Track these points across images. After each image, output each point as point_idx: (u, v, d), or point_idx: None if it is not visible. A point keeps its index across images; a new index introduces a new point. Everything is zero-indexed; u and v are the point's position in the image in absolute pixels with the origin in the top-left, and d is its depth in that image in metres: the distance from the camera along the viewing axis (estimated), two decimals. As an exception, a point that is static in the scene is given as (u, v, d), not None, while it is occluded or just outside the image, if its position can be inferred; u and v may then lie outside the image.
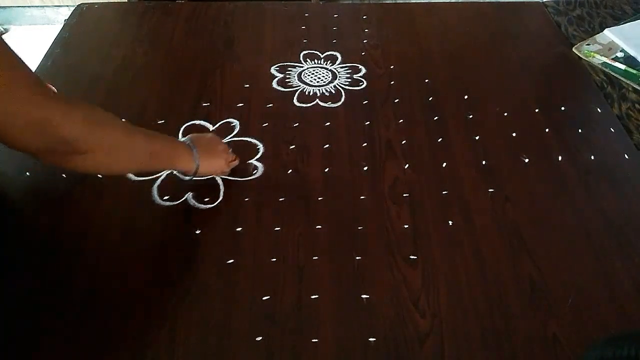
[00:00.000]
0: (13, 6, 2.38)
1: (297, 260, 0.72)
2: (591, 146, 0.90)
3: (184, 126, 0.91)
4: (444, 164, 0.86)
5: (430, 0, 1.67)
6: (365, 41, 1.14)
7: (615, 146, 0.90)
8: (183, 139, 0.78)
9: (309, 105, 0.97)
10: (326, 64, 1.07)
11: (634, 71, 1.06)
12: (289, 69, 1.06)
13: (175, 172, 0.82)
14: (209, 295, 0.68)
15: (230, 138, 0.90)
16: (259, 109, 0.96)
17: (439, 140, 0.91)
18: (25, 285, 0.68)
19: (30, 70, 0.53)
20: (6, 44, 0.50)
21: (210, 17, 1.20)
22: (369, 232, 0.76)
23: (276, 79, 1.03)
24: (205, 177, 0.80)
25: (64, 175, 0.82)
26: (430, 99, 0.99)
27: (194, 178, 0.77)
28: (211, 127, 0.91)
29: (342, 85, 1.02)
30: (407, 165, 0.86)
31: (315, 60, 1.08)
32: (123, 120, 0.65)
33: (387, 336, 0.64)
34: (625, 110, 0.98)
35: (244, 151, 0.87)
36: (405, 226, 0.77)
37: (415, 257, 0.73)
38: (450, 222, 0.77)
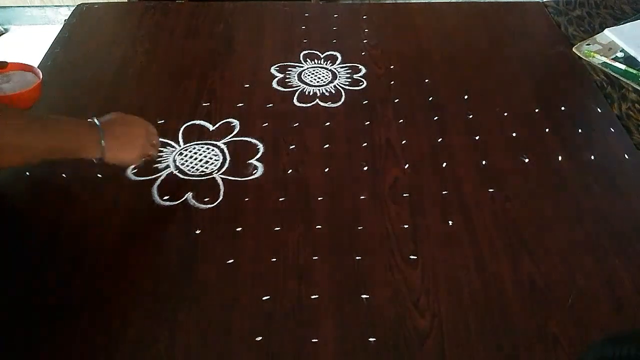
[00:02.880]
0: (13, 6, 2.38)
1: (297, 260, 0.72)
2: (591, 146, 0.90)
3: (184, 126, 0.91)
4: (444, 164, 0.86)
5: (430, 0, 1.66)
6: (365, 41, 1.14)
7: (615, 146, 0.90)
8: (103, 118, 0.71)
9: (309, 105, 0.97)
10: (326, 64, 1.07)
11: (634, 71, 1.06)
12: (289, 69, 1.06)
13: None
14: (209, 295, 0.68)
15: (230, 138, 0.90)
16: (259, 109, 0.96)
17: (439, 140, 0.91)
18: (25, 285, 0.68)
19: None
20: None
21: (210, 17, 1.20)
22: (369, 232, 0.76)
23: (276, 79, 1.03)
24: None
25: (64, 175, 0.82)
26: (430, 99, 0.99)
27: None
28: (211, 127, 0.91)
29: (342, 85, 1.02)
30: (407, 165, 0.86)
31: (315, 60, 1.08)
32: (21, 118, 0.63)
33: (387, 336, 0.64)
34: (625, 110, 0.98)
35: (244, 151, 0.87)
36: (405, 226, 0.77)
37: (415, 257, 0.73)
38: (450, 222, 0.77)
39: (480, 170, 0.86)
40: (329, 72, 1.05)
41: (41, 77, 0.92)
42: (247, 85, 1.01)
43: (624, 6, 1.27)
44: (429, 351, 0.63)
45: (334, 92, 1.00)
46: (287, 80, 1.03)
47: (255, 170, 0.84)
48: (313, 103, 0.98)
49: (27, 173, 0.82)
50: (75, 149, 0.68)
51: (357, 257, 0.72)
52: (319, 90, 1.01)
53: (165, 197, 0.79)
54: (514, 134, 0.92)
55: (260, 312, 0.66)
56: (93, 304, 0.67)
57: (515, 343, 0.64)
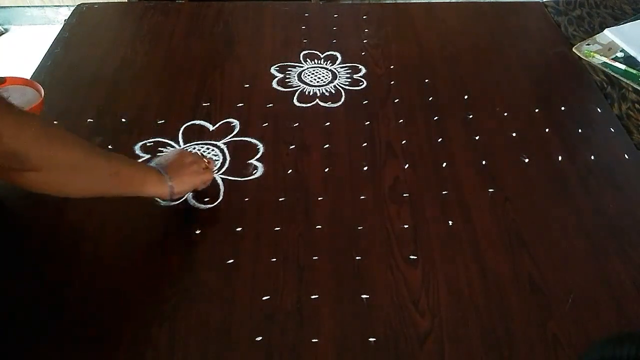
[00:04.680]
0: (13, 6, 2.38)
1: (297, 260, 0.72)
2: (591, 146, 0.90)
3: (184, 126, 0.91)
4: (444, 164, 0.86)
5: (430, 0, 1.66)
6: (365, 41, 1.14)
7: (615, 146, 0.90)
8: (151, 163, 0.73)
9: (309, 105, 0.97)
10: (326, 64, 1.07)
11: (634, 71, 1.06)
12: (289, 69, 1.06)
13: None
14: (209, 295, 0.68)
15: (230, 138, 0.90)
16: (259, 109, 0.96)
17: (439, 140, 0.91)
18: (25, 285, 0.68)
19: None
20: None
21: (210, 17, 1.20)
22: (369, 232, 0.76)
23: (276, 79, 1.03)
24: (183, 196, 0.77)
25: (64, 175, 0.82)
26: (430, 99, 0.99)
27: (172, 203, 0.75)
28: (211, 127, 0.91)
29: (342, 85, 1.02)
30: (407, 165, 0.86)
31: (315, 60, 1.08)
32: (85, 141, 0.62)
33: (387, 336, 0.64)
34: (625, 110, 0.98)
35: (244, 151, 0.87)
36: (405, 226, 0.77)
37: (415, 257, 0.73)
38: (450, 222, 0.77)
39: (480, 170, 0.86)
40: (329, 72, 1.05)
41: (43, 93, 0.86)
42: (247, 85, 1.01)
43: (624, 6, 1.27)
44: (429, 351, 0.63)
45: (334, 92, 1.00)
46: (287, 80, 1.03)
47: (255, 170, 0.84)
48: (313, 103, 0.98)
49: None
50: (140, 180, 0.67)
51: (357, 257, 0.72)
52: (319, 90, 1.01)
53: (165, 197, 0.79)
54: (514, 134, 0.92)
55: (260, 312, 0.66)
56: (93, 304, 0.67)
57: (515, 343, 0.64)
